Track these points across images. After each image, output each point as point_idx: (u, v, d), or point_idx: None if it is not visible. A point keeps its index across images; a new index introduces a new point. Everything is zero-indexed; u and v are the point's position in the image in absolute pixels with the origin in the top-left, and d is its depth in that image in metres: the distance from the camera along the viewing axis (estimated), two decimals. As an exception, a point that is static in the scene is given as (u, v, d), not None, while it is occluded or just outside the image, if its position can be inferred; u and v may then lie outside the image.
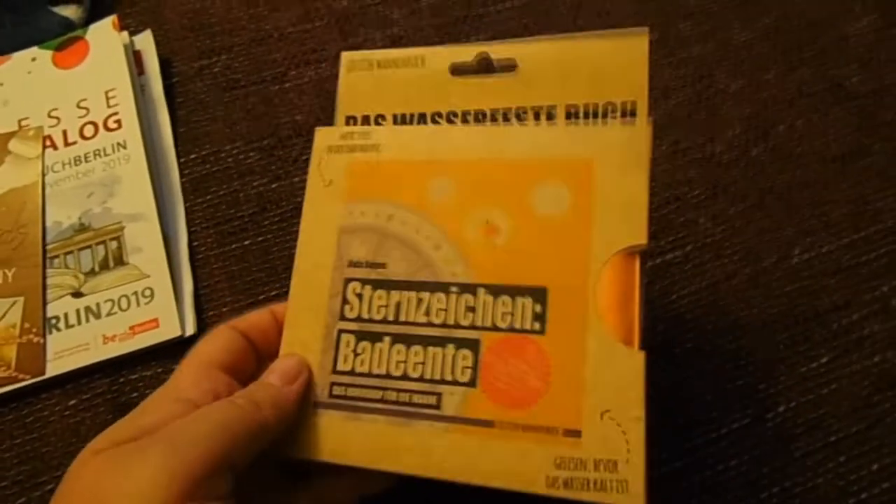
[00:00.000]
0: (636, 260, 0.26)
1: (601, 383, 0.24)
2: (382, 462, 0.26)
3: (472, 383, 0.26)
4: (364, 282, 0.28)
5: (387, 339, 0.27)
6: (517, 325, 0.26)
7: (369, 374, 0.27)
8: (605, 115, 0.28)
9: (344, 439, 0.26)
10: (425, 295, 0.27)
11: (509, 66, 0.29)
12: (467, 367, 0.26)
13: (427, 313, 0.27)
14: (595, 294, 0.25)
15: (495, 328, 0.26)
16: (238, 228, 0.40)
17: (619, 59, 0.28)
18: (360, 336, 0.27)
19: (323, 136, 0.31)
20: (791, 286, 0.37)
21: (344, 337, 0.27)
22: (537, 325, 0.26)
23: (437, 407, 0.26)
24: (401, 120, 0.30)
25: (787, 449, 0.33)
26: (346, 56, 0.31)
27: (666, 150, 0.41)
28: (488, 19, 0.46)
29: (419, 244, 0.28)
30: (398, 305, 0.27)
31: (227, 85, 0.45)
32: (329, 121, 0.43)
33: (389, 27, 0.47)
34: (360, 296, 0.28)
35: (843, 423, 0.33)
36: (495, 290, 0.27)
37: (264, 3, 0.48)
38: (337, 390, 0.27)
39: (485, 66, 0.30)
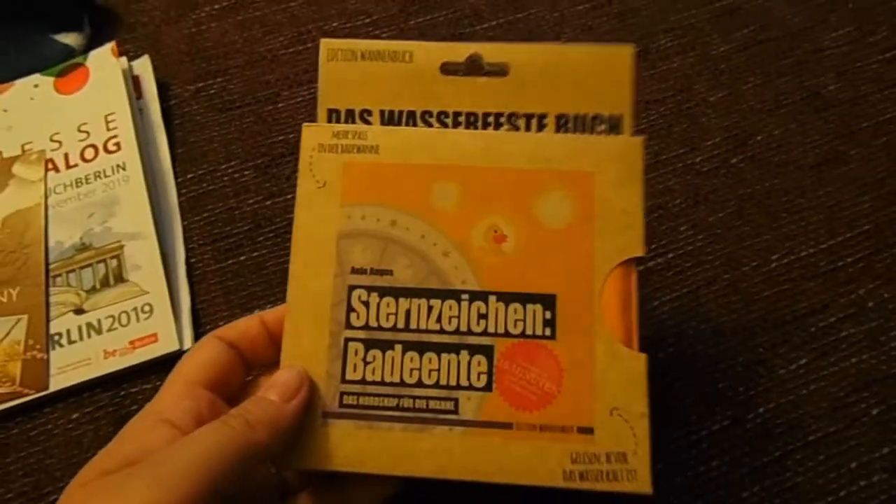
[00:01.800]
0: (634, 269, 0.28)
1: (609, 384, 0.26)
2: (401, 467, 0.26)
3: (487, 388, 0.27)
4: (370, 289, 0.28)
5: (398, 346, 0.27)
6: (529, 332, 0.27)
7: (382, 383, 0.27)
8: (592, 127, 0.29)
9: (360, 448, 0.26)
10: (436, 302, 0.28)
11: (500, 70, 0.30)
12: (482, 373, 0.27)
13: (439, 320, 0.27)
14: (599, 301, 0.27)
15: (507, 334, 0.27)
16: (234, 245, 0.41)
17: (605, 72, 0.29)
18: (370, 344, 0.27)
19: (312, 134, 0.29)
20: (770, 291, 0.38)
21: (352, 345, 0.27)
22: (548, 331, 0.27)
23: (455, 412, 0.27)
24: (388, 116, 0.30)
25: (767, 449, 0.34)
26: (325, 43, 0.30)
27: (647, 161, 0.42)
28: (474, 38, 0.48)
29: (426, 251, 0.28)
30: (408, 313, 0.28)
31: (223, 106, 0.46)
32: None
33: (379, 47, 0.48)
34: (366, 303, 0.28)
35: (821, 423, 0.34)
36: (506, 298, 0.28)
37: (258, 27, 0.49)
38: (348, 399, 0.27)
39: (475, 68, 0.30)
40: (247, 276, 0.40)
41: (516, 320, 0.27)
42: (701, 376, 0.36)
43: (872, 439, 0.34)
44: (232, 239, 0.42)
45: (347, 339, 0.28)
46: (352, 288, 0.28)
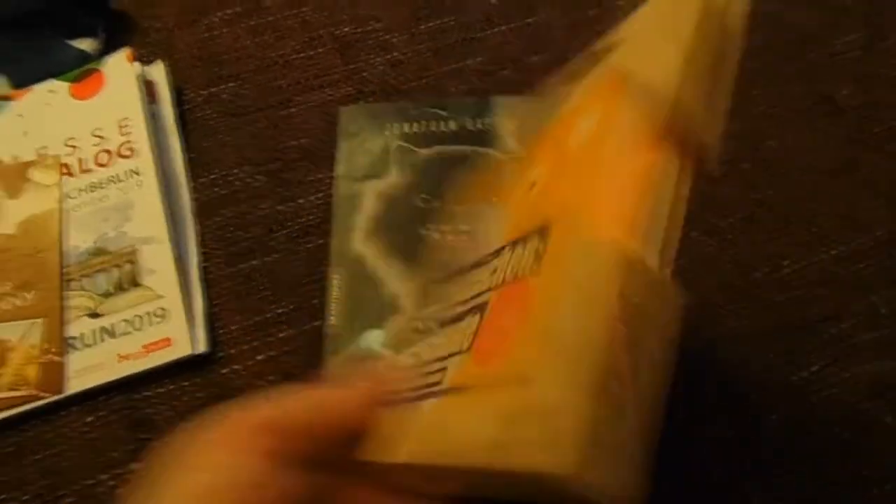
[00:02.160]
0: (660, 153, 0.20)
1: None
2: (391, 453, 0.23)
3: (469, 349, 0.22)
4: (438, 281, 0.29)
5: (436, 327, 0.27)
6: (520, 272, 0.21)
7: (419, 365, 0.26)
8: None
9: (390, 434, 0.24)
10: (470, 274, 0.27)
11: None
12: (471, 333, 0.22)
13: (466, 292, 0.26)
14: (594, 211, 0.20)
15: (503, 283, 0.22)
16: (246, 249, 0.42)
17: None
18: (423, 333, 0.28)
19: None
20: (782, 297, 0.38)
21: (412, 336, 0.29)
22: (535, 265, 0.20)
23: (440, 382, 0.22)
24: None
25: (780, 456, 0.34)
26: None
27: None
28: (485, 43, 0.48)
29: (490, 230, 0.28)
30: (449, 293, 0.27)
31: (236, 111, 0.46)
32: (332, 144, 0.44)
33: (389, 52, 0.48)
34: (432, 295, 0.29)
35: (834, 430, 0.34)
36: (515, 244, 0.23)
37: (270, 32, 0.49)
38: (404, 387, 0.26)
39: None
40: (259, 280, 0.41)
41: (513, 264, 0.22)
42: (712, 382, 0.36)
43: (885, 447, 0.34)
44: (244, 243, 0.42)
45: (412, 330, 0.30)
46: (428, 282, 0.30)
